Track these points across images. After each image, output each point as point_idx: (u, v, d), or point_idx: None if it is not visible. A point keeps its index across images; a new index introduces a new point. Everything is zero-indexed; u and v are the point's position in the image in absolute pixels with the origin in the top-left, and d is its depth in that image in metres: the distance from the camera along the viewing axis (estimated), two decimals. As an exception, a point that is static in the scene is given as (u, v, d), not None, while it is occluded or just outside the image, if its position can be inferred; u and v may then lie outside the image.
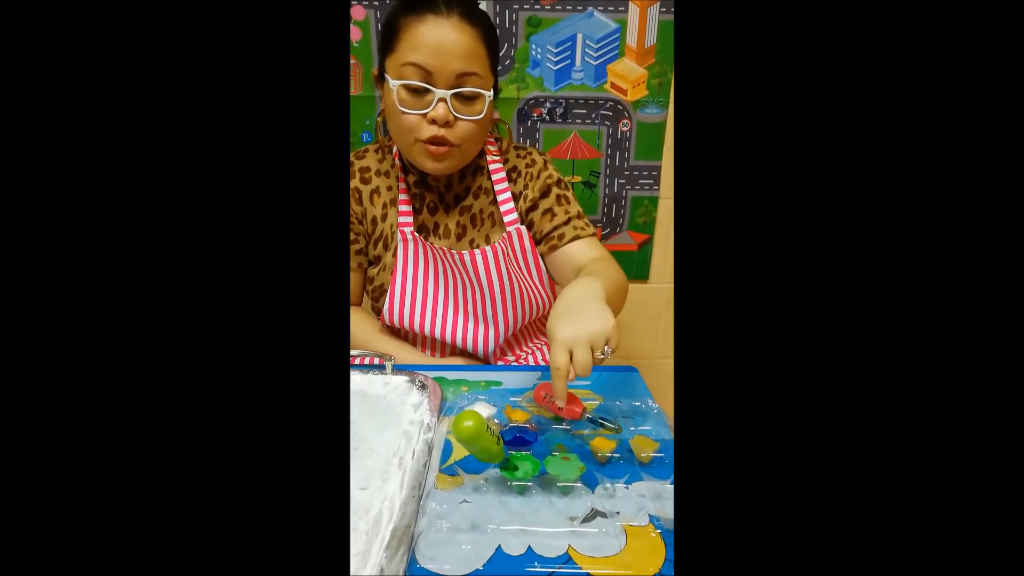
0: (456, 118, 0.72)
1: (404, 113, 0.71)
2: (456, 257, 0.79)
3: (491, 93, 0.73)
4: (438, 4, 0.69)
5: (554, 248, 0.82)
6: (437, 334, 0.83)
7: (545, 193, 0.83)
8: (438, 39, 0.68)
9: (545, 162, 0.85)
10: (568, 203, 0.84)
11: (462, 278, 0.81)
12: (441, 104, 0.70)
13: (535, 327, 0.93)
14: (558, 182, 0.84)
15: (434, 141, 0.72)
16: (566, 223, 0.82)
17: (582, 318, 0.57)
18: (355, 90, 1.07)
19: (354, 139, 1.11)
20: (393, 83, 0.71)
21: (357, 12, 1.02)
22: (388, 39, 0.72)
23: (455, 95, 0.71)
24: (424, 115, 0.71)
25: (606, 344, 0.57)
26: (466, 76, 0.70)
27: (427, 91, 0.70)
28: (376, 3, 1.02)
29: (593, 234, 0.83)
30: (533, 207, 0.83)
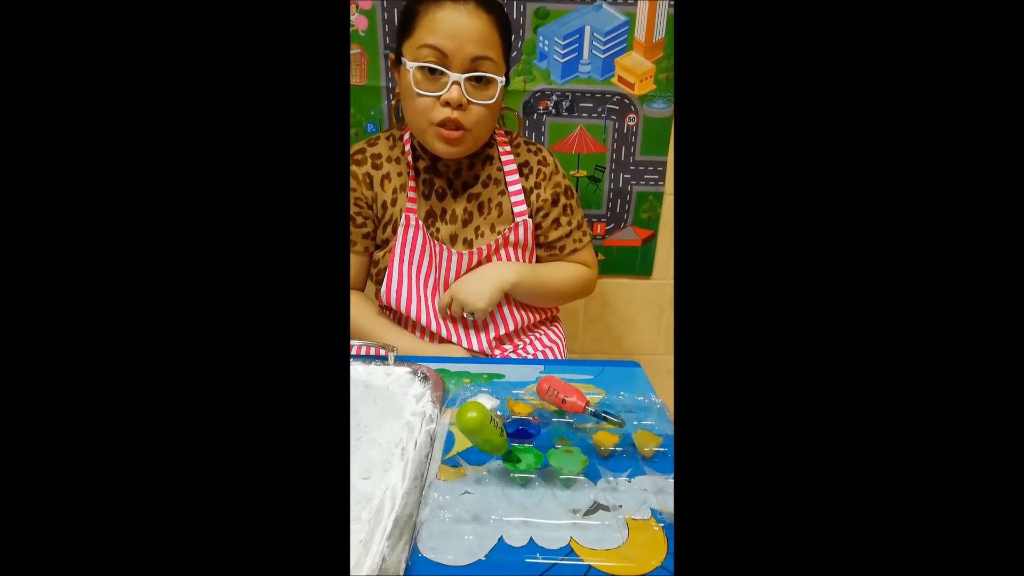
0: (469, 102, 0.74)
1: (419, 95, 0.73)
2: (448, 256, 0.82)
3: (503, 79, 0.76)
4: None
5: (554, 258, 0.89)
6: (433, 327, 0.84)
7: (554, 201, 0.87)
8: (454, 23, 0.71)
9: (556, 165, 0.89)
10: (572, 212, 0.89)
11: (456, 274, 0.84)
12: (455, 87, 0.72)
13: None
14: (566, 190, 0.88)
15: (447, 124, 0.74)
16: (568, 235, 0.88)
17: (470, 286, 0.81)
18: (360, 80, 1.07)
19: (359, 129, 1.10)
20: (409, 64, 0.73)
21: (364, 1, 1.02)
22: (406, 23, 0.75)
23: (469, 79, 0.73)
24: (438, 97, 0.73)
25: (470, 313, 0.81)
26: (480, 60, 0.73)
27: (442, 74, 0.72)
28: (383, -8, 1.01)
29: (588, 243, 0.91)
30: (542, 211, 0.87)
